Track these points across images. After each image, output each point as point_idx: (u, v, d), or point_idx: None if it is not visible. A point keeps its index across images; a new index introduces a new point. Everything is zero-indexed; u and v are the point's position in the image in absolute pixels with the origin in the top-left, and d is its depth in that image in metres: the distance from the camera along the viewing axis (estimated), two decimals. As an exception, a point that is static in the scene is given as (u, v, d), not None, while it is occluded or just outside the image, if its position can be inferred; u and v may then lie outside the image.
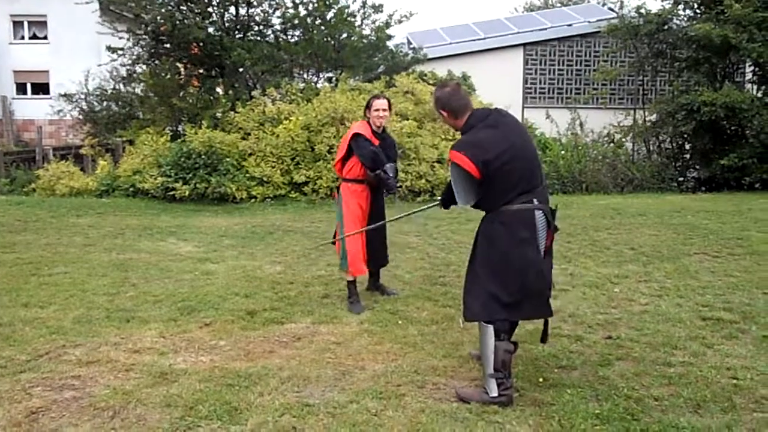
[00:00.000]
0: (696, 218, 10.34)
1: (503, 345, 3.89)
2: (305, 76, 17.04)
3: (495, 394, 3.79)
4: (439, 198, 4.70)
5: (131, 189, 13.53)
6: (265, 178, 13.27)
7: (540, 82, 21.78)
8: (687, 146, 16.79)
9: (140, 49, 15.76)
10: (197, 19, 14.71)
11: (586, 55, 21.65)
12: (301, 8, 15.76)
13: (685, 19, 16.85)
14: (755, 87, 16.50)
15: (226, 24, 15.64)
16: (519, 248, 3.91)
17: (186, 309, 5.63)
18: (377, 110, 5.75)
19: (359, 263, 5.76)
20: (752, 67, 16.44)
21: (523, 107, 21.06)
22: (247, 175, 13.29)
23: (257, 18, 16.12)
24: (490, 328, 3.90)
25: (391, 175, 5.63)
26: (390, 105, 5.88)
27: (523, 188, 3.91)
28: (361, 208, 5.79)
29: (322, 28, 15.71)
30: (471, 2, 71.37)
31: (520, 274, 3.89)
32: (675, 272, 6.91)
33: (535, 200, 3.95)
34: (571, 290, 6.29)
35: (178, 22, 14.62)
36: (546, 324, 4.19)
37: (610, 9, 19.22)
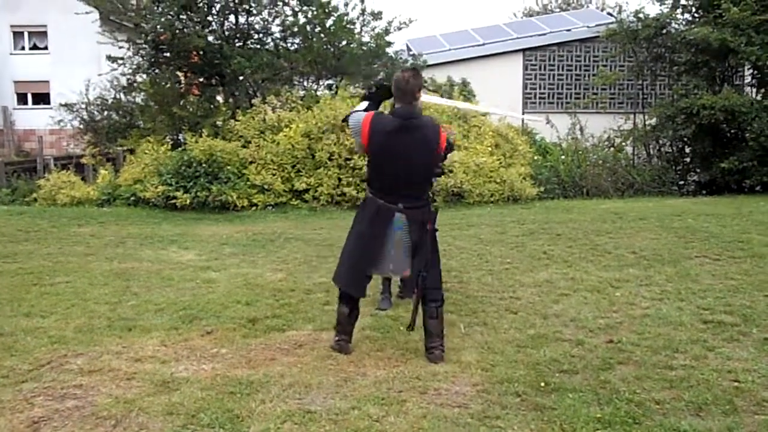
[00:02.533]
0: (697, 221, 10.33)
1: (339, 308, 4.82)
2: (305, 83, 17.08)
3: (333, 342, 4.82)
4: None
5: (132, 198, 13.54)
6: (266, 186, 13.29)
7: (540, 87, 21.80)
8: (687, 150, 16.78)
9: (140, 59, 15.79)
10: (197, 27, 14.75)
11: (585, 60, 21.67)
12: (300, 16, 15.81)
13: (684, 23, 16.87)
14: (754, 90, 16.50)
15: (226, 32, 15.68)
16: (362, 230, 4.73)
17: (187, 317, 5.63)
18: None
19: None
20: (751, 71, 16.44)
21: (523, 112, 21.07)
22: (248, 183, 13.31)
23: (257, 26, 16.18)
24: (339, 291, 4.87)
25: None
26: None
27: (394, 189, 4.63)
28: None
29: (322, 35, 15.74)
30: (470, 8, 71.56)
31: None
32: (676, 276, 6.91)
33: (400, 204, 4.61)
34: (573, 294, 6.28)
35: (177, 31, 14.66)
36: (414, 312, 4.69)
37: (609, 14, 19.32)
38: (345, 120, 4.97)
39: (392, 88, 4.70)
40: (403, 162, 4.55)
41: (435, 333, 4.64)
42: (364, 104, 5.00)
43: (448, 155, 5.29)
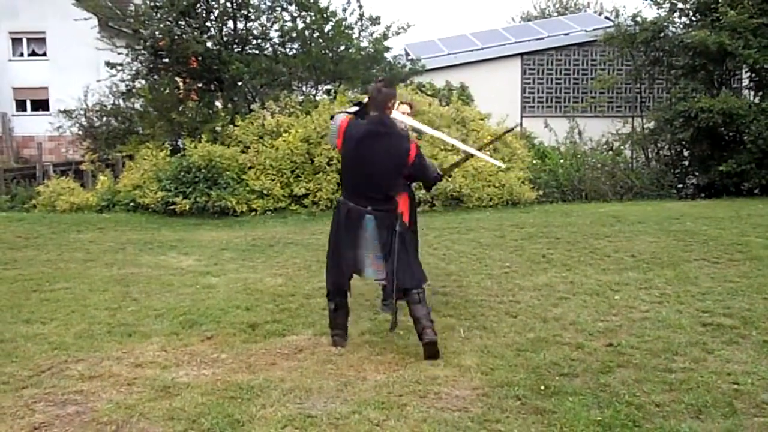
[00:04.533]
0: (695, 224, 10.35)
1: (328, 304, 5.11)
2: (304, 88, 17.09)
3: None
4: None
5: (132, 204, 13.54)
6: (265, 191, 13.30)
7: (538, 92, 21.83)
8: (685, 153, 16.80)
9: (139, 65, 15.81)
10: (195, 33, 14.78)
11: (583, 64, 21.72)
12: (299, 21, 15.84)
13: (681, 26, 16.90)
14: (752, 93, 16.53)
15: (225, 38, 15.71)
16: (337, 232, 5.00)
17: (187, 323, 5.63)
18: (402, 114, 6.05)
19: None
20: (749, 74, 16.48)
21: (522, 116, 21.10)
22: (247, 188, 13.32)
23: (255, 32, 16.18)
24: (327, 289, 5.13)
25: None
26: (411, 107, 6.16)
27: (362, 193, 4.86)
28: None
29: (320, 40, 15.77)
30: (468, 13, 71.70)
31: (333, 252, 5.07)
32: (675, 279, 6.92)
33: (369, 207, 4.82)
34: (572, 298, 6.29)
35: (176, 36, 14.69)
36: (394, 314, 4.93)
37: (607, 18, 19.35)
38: (332, 117, 5.15)
39: (368, 97, 4.97)
40: (370, 168, 4.79)
41: (421, 316, 4.74)
42: (354, 108, 5.12)
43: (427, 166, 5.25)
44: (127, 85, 16.29)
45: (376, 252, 4.86)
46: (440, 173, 5.43)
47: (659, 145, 16.87)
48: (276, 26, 16.09)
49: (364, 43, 16.44)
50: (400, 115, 5.32)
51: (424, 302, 4.81)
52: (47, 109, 26.48)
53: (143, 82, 16.00)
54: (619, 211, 12.35)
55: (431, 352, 4.66)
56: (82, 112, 18.62)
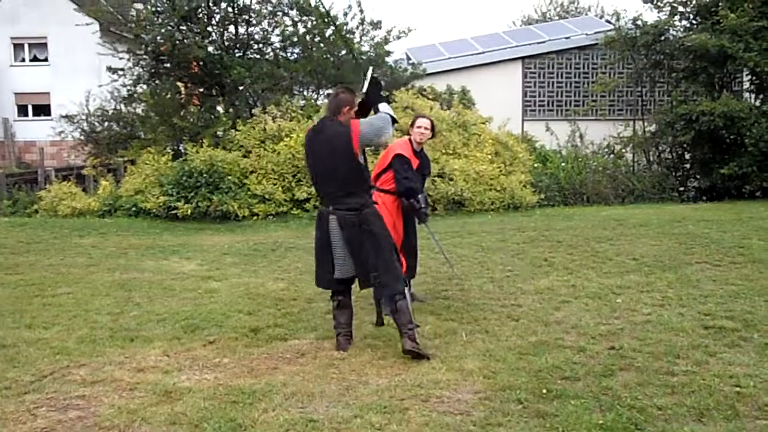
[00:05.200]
0: (697, 227, 10.35)
1: (331, 303, 5.20)
2: (305, 93, 17.13)
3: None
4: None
5: (133, 209, 13.56)
6: (266, 196, 13.32)
7: (539, 95, 21.84)
8: (687, 156, 16.82)
9: (141, 69, 15.83)
10: (197, 38, 14.79)
11: (584, 68, 21.73)
12: (300, 26, 15.86)
13: (682, 29, 16.93)
14: (753, 96, 16.55)
15: (226, 43, 15.74)
16: (316, 237, 5.05)
17: (189, 327, 5.64)
18: (419, 127, 6.15)
19: None
20: (749, 76, 16.51)
21: (523, 120, 21.12)
22: (249, 192, 13.33)
23: (257, 36, 16.22)
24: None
25: (423, 205, 5.98)
26: (433, 126, 6.27)
27: (323, 192, 5.03)
28: (392, 216, 5.93)
29: (322, 45, 15.79)
30: (469, 17, 71.80)
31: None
32: (677, 282, 6.92)
33: (331, 207, 4.92)
34: (574, 301, 6.29)
35: (178, 41, 14.71)
36: (378, 308, 5.28)
37: (608, 21, 19.35)
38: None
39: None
40: (321, 165, 4.94)
41: (401, 323, 4.78)
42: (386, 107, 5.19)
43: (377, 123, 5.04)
44: (128, 90, 16.31)
45: (343, 250, 4.91)
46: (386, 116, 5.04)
47: (660, 148, 16.88)
48: (277, 31, 16.13)
49: (366, 48, 16.48)
50: (385, 106, 5.24)
51: (401, 311, 4.79)
52: (49, 114, 26.53)
53: (145, 87, 16.02)
54: (621, 215, 12.35)
55: (410, 341, 4.72)
56: (83, 117, 18.60)
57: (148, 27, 15.04)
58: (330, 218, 4.90)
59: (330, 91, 16.63)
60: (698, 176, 16.17)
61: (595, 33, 20.00)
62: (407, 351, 4.71)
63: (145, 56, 15.60)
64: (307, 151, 5.09)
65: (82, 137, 18.63)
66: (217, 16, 15.61)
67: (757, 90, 16.31)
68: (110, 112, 17.87)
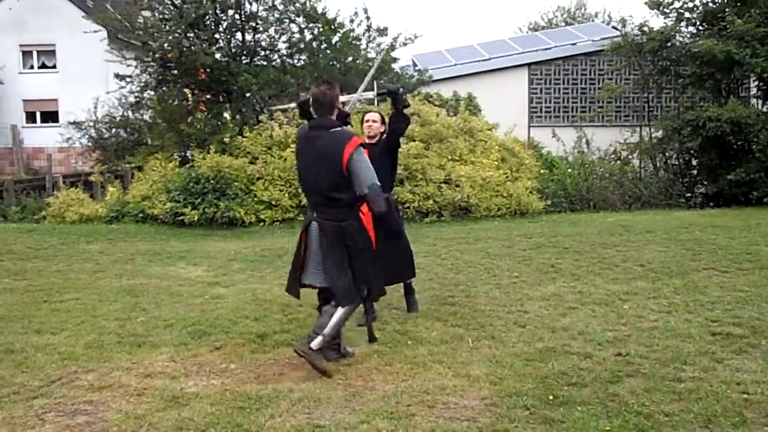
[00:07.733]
0: (704, 234, 10.32)
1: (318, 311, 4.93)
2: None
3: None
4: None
5: (141, 215, 13.59)
6: (273, 202, 13.34)
7: (545, 101, 21.83)
8: (694, 162, 16.76)
9: (148, 76, 15.88)
10: (204, 45, 14.85)
11: (590, 74, 21.71)
12: (306, 33, 15.91)
13: (688, 35, 16.89)
14: (760, 102, 16.51)
15: (233, 50, 15.78)
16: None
17: (196, 333, 5.65)
18: (367, 122, 6.17)
19: None
20: (756, 82, 16.48)
21: (529, 126, 21.11)
22: (256, 199, 13.35)
23: (263, 43, 16.26)
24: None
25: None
26: (383, 118, 6.21)
27: (308, 199, 5.03)
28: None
29: (328, 51, 15.84)
30: (475, 24, 71.90)
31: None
32: (684, 288, 6.90)
33: (315, 213, 4.83)
34: (581, 308, 6.28)
35: (185, 48, 14.76)
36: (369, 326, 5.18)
37: (614, 27, 19.34)
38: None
39: (311, 102, 4.85)
40: (309, 172, 4.83)
41: (316, 324, 4.69)
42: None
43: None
44: (136, 97, 16.36)
45: (318, 261, 4.81)
46: (376, 191, 4.67)
47: (667, 154, 16.86)
48: (284, 38, 16.16)
49: (372, 54, 16.52)
50: (344, 97, 5.23)
51: (329, 315, 4.65)
52: (57, 121, 26.60)
53: (152, 93, 16.08)
54: (628, 221, 12.32)
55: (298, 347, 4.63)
56: (91, 124, 18.72)
57: (155, 34, 15.11)
58: (312, 224, 4.85)
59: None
60: (705, 182, 16.13)
61: (602, 39, 19.97)
62: (295, 348, 4.66)
63: (152, 63, 15.65)
64: (297, 153, 5.02)
65: (89, 144, 18.73)
66: (225, 23, 15.66)
67: (764, 96, 16.26)
68: (118, 118, 17.97)
